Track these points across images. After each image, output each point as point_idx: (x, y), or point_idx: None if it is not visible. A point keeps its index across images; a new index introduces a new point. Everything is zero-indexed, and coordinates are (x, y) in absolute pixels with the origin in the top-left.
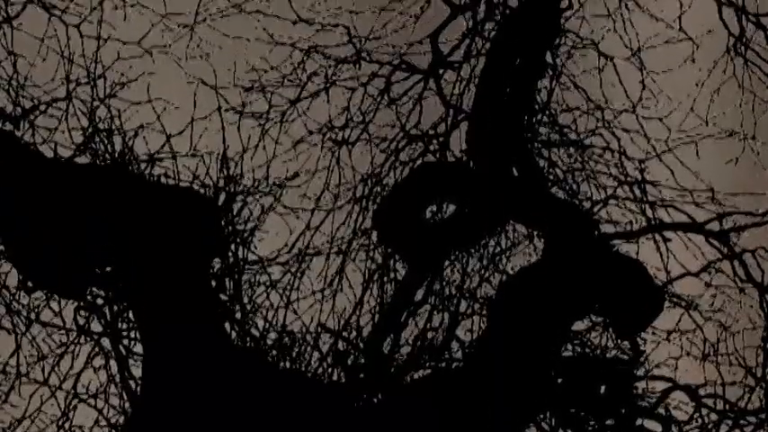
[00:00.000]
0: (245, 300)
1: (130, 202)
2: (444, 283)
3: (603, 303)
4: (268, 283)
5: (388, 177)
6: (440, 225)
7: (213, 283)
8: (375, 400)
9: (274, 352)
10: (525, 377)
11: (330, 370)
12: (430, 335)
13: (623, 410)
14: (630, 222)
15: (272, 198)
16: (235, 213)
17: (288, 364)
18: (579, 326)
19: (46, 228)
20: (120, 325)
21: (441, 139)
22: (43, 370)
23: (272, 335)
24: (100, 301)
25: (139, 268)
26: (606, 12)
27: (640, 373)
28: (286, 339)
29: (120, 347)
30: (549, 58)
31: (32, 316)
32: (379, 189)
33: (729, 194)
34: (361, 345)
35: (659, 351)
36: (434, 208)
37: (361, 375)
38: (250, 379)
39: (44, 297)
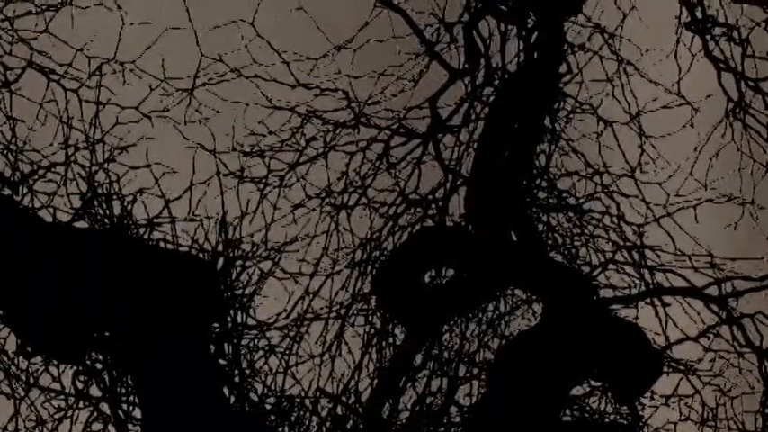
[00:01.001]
0: (244, 364)
1: (129, 266)
2: (443, 348)
3: (602, 368)
4: (267, 348)
5: (387, 242)
6: (438, 289)
7: (212, 348)
8: None
9: (273, 417)
10: None
11: None
12: (429, 400)
13: None
14: (629, 287)
15: (270, 263)
16: (234, 278)
17: (287, 429)
18: (578, 390)
19: (44, 292)
20: (119, 389)
21: (439, 203)
22: None
23: (271, 399)
24: (99, 366)
25: (138, 332)
26: (605, 76)
27: None
28: (285, 404)
29: (119, 412)
30: (547, 122)
31: (31, 380)
32: (377, 254)
33: (728, 259)
34: (360, 409)
35: (658, 416)
36: (433, 272)
37: None
38: None
39: (42, 362)
